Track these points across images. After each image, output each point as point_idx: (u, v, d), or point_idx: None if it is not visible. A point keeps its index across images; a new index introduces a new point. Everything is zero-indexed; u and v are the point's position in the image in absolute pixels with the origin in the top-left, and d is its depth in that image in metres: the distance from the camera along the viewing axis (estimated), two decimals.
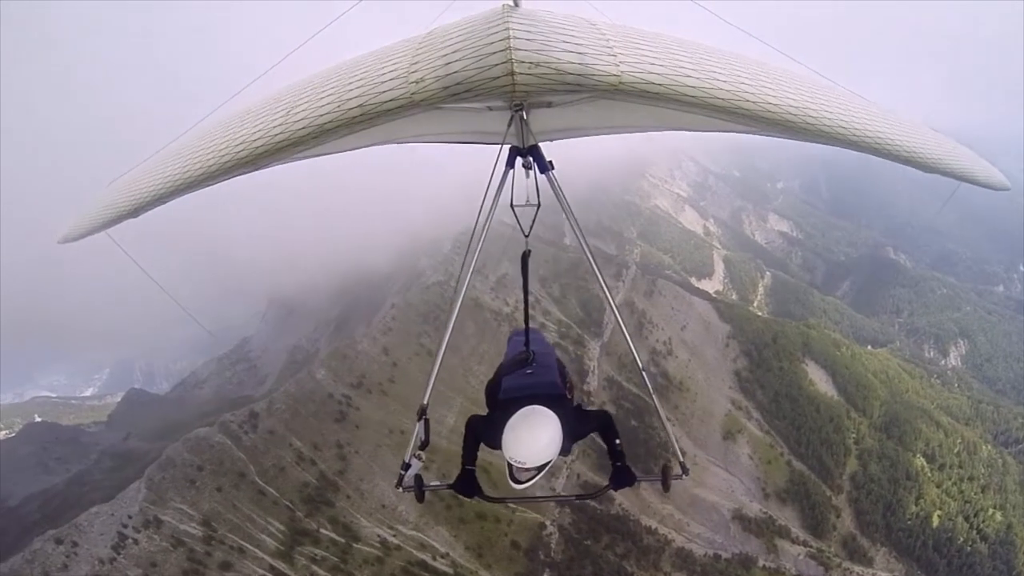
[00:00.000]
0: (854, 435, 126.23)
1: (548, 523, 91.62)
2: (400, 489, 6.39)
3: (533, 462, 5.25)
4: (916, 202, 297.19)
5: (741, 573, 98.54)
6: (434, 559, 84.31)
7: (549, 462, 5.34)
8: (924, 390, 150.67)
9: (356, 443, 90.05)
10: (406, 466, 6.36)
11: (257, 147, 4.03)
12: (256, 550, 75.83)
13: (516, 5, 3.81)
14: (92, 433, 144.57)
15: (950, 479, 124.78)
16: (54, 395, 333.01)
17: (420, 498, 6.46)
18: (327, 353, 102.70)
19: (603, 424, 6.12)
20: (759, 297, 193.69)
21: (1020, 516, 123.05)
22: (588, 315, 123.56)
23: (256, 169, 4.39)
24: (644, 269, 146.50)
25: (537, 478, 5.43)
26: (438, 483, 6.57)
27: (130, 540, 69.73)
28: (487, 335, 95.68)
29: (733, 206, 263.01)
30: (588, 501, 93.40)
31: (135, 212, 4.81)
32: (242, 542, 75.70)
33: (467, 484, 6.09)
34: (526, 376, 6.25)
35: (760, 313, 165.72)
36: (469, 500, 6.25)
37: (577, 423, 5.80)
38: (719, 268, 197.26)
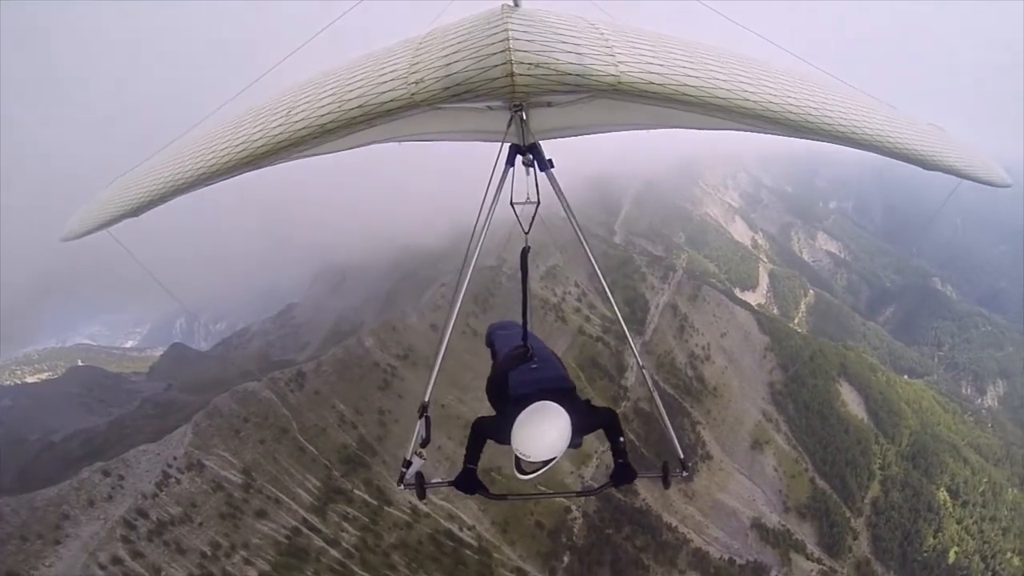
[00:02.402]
0: (880, 460, 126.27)
1: (574, 508, 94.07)
2: (401, 487, 6.56)
3: (542, 456, 5.36)
4: (971, 236, 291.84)
5: None
6: (460, 530, 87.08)
7: (557, 456, 5.45)
8: (956, 425, 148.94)
9: (397, 412, 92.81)
10: (407, 463, 6.51)
11: (258, 147, 4.15)
12: (291, 502, 79.18)
13: (516, 5, 3.95)
14: (134, 381, 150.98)
15: (971, 517, 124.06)
16: (95, 343, 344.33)
17: (421, 495, 6.65)
18: (377, 323, 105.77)
19: (608, 422, 6.20)
20: (800, 315, 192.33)
21: None
22: (633, 313, 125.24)
23: (257, 168, 4.52)
24: (690, 275, 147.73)
25: (543, 471, 5.56)
26: (440, 480, 6.79)
27: (173, 480, 73.63)
28: (535, 323, 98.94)
29: (783, 221, 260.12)
30: (614, 491, 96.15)
31: (136, 211, 4.90)
32: (279, 493, 79.11)
33: (468, 482, 6.18)
34: (533, 371, 6.35)
35: (800, 330, 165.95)
36: (470, 495, 6.34)
37: (585, 417, 5.88)
38: (763, 282, 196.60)
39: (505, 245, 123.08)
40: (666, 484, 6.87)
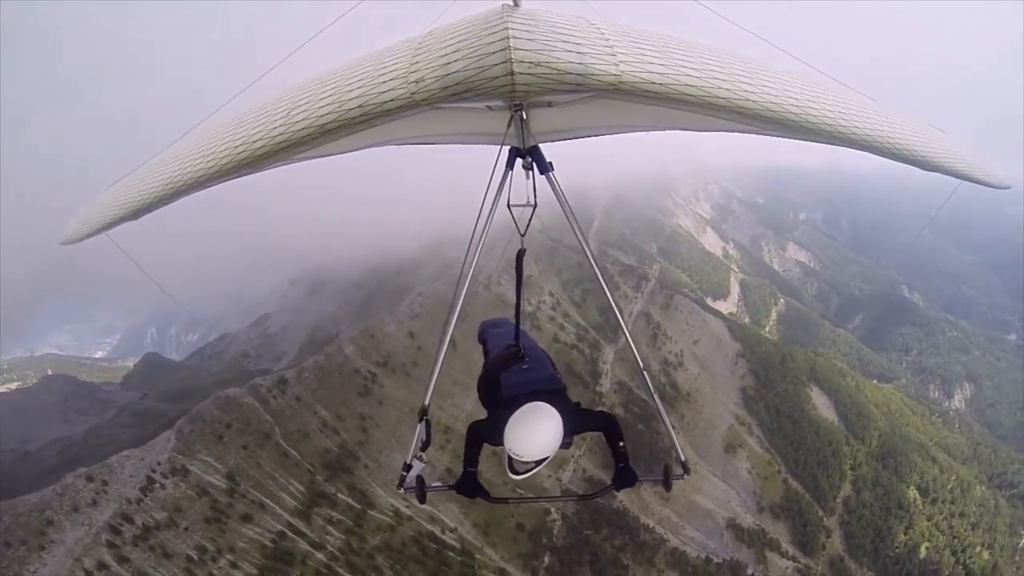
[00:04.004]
0: (851, 461, 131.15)
1: (553, 510, 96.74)
2: (402, 490, 6.60)
3: (534, 456, 5.41)
4: (937, 246, 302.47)
5: None
6: (443, 532, 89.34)
7: (549, 456, 5.49)
8: (924, 427, 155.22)
9: (378, 417, 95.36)
10: (408, 467, 6.56)
11: (257, 148, 4.17)
12: (276, 507, 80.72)
13: (516, 5, 3.95)
14: (109, 391, 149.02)
15: (941, 513, 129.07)
16: (64, 353, 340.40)
17: (422, 499, 6.68)
18: (357, 331, 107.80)
19: (608, 426, 6.24)
20: (771, 323, 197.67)
21: (1007, 557, 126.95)
22: (607, 321, 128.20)
23: (257, 171, 4.55)
24: (662, 284, 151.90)
25: (536, 470, 5.65)
26: (440, 484, 6.75)
27: (158, 485, 74.62)
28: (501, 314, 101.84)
29: (754, 232, 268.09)
30: (599, 501, 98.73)
31: (136, 214, 4.93)
32: (263, 498, 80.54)
33: (469, 485, 6.24)
34: (524, 371, 6.36)
35: (771, 337, 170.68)
36: (471, 498, 6.39)
37: (576, 418, 5.87)
38: (735, 291, 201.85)
39: (482, 253, 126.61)
40: (667, 487, 6.92)
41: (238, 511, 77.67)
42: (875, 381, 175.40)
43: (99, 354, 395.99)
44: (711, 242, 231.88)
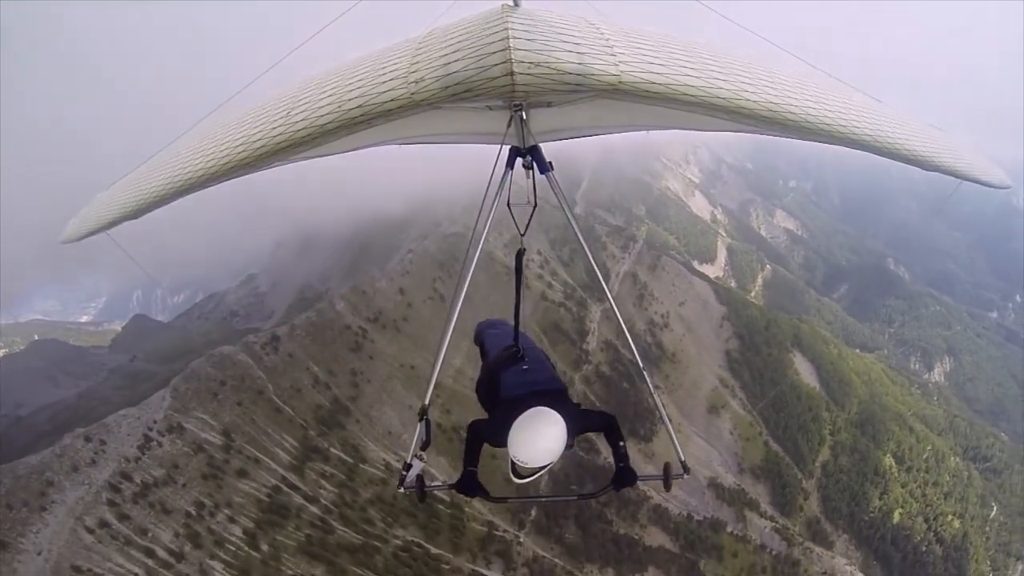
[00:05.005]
0: (830, 426, 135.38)
1: None
2: (402, 489, 6.55)
3: (539, 463, 5.40)
4: (925, 222, 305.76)
5: (711, 535, 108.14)
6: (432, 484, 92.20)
7: (553, 461, 5.47)
8: (903, 397, 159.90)
9: (369, 373, 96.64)
10: (408, 466, 6.52)
11: (257, 148, 4.23)
12: (270, 462, 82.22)
13: (516, 5, 3.98)
14: (98, 354, 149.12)
15: (915, 482, 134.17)
16: (49, 319, 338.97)
17: (421, 498, 6.68)
18: (348, 288, 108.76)
19: (608, 426, 6.27)
20: (757, 288, 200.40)
21: (977, 527, 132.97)
22: (593, 280, 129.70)
23: (258, 170, 4.62)
24: (650, 245, 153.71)
25: (539, 474, 5.58)
26: (440, 483, 6.76)
27: (155, 443, 75.51)
28: (498, 286, 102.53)
29: (743, 198, 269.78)
30: (576, 450, 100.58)
31: (136, 213, 5.00)
32: (258, 453, 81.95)
33: (469, 484, 6.18)
34: (525, 372, 6.40)
35: (757, 302, 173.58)
36: (471, 497, 6.36)
37: (577, 420, 5.86)
38: (721, 255, 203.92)
39: (470, 212, 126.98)
40: (667, 486, 6.94)
41: (234, 467, 78.97)
42: (857, 350, 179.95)
43: (84, 318, 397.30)
44: (699, 206, 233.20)
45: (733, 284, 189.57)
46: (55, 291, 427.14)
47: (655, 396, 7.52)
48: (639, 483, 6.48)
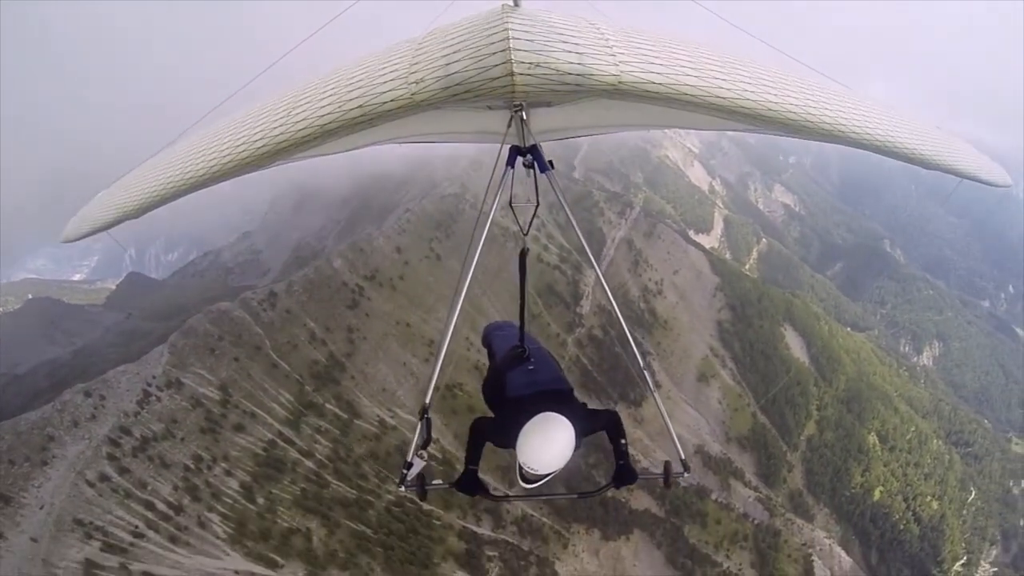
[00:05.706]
0: (817, 401, 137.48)
1: None
2: (402, 488, 6.54)
3: (548, 469, 5.43)
4: (924, 206, 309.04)
5: (695, 501, 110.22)
6: None
7: (561, 467, 5.47)
8: (890, 377, 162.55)
9: (364, 330, 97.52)
10: (408, 465, 6.48)
11: (258, 147, 4.30)
12: (267, 416, 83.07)
13: (516, 5, 4.07)
14: (93, 312, 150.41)
15: (897, 461, 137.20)
16: (42, 278, 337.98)
17: (422, 497, 6.75)
18: (345, 245, 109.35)
19: (610, 424, 6.30)
20: (752, 261, 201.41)
21: (955, 510, 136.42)
22: (589, 245, 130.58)
23: (259, 169, 4.69)
24: (646, 213, 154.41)
25: (546, 480, 5.63)
26: (440, 482, 6.76)
27: (154, 398, 76.12)
28: (494, 248, 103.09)
29: (742, 170, 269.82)
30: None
31: (138, 212, 5.09)
32: (255, 408, 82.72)
33: (470, 483, 6.21)
34: (530, 372, 6.38)
35: (751, 275, 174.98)
36: (471, 496, 6.37)
37: (585, 421, 5.86)
38: (718, 227, 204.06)
39: (468, 174, 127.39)
40: (667, 484, 7.01)
41: (231, 421, 79.83)
42: (848, 329, 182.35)
43: (77, 277, 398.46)
44: (698, 176, 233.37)
45: (728, 256, 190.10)
46: (47, 250, 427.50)
47: (655, 396, 7.25)
48: (639, 480, 6.72)
